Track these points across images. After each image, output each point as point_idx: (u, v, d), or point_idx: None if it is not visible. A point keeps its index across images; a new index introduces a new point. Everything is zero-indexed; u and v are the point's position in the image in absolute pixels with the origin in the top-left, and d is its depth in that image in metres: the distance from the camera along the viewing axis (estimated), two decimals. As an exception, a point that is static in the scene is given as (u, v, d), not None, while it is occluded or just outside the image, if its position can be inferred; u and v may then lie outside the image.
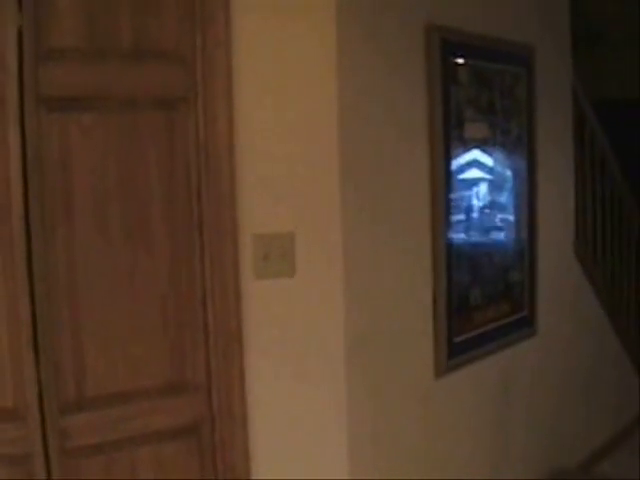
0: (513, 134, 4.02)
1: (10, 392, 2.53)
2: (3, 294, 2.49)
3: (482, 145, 3.78)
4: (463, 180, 3.63)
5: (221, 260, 2.75)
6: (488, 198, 3.85)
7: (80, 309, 2.60)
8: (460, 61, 3.58)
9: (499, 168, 3.92)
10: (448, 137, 3.48)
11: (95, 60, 2.57)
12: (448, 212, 3.49)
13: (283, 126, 2.81)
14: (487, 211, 3.85)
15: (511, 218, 4.04)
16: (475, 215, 3.76)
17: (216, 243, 2.74)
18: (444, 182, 3.45)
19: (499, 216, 3.95)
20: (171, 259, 2.72)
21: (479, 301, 3.78)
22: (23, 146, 2.47)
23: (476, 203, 3.75)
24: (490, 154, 3.83)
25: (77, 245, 2.58)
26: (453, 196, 3.53)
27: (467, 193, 3.67)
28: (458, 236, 3.59)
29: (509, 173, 4.01)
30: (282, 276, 2.83)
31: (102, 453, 2.68)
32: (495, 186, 3.90)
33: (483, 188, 3.81)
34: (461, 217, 3.62)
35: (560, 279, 4.65)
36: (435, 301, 3.44)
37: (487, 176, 3.83)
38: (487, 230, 3.87)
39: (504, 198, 3.98)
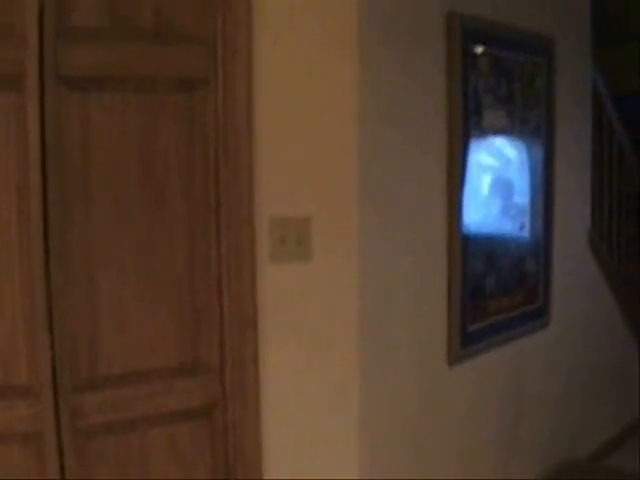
0: (532, 124, 4.01)
1: (24, 369, 2.54)
2: (19, 271, 2.50)
3: (500, 134, 3.77)
4: (481, 168, 3.62)
5: (237, 243, 2.75)
6: (505, 187, 3.84)
7: (95, 289, 2.60)
8: (480, 50, 3.56)
9: (517, 157, 3.91)
10: (467, 125, 3.47)
11: (116, 40, 2.57)
12: (464, 200, 3.48)
13: (302, 110, 2.81)
14: (503, 200, 3.84)
15: (527, 208, 4.03)
16: (492, 204, 3.75)
17: (233, 225, 2.74)
18: (461, 169, 3.44)
19: (516, 205, 3.94)
20: (188, 241, 2.72)
21: (494, 290, 3.78)
22: (42, 124, 2.46)
23: (493, 192, 3.74)
24: (508, 143, 3.82)
25: (94, 224, 2.58)
26: (470, 184, 3.52)
27: (484, 181, 3.66)
28: (474, 224, 3.58)
29: (527, 162, 3.99)
30: (298, 260, 2.83)
31: (114, 433, 2.68)
32: (512, 175, 3.90)
33: (500, 177, 3.80)
34: (478, 205, 3.60)
35: (575, 271, 4.65)
36: (450, 289, 3.44)
37: (505, 165, 3.82)
38: (503, 219, 3.86)
39: (521, 187, 3.97)
